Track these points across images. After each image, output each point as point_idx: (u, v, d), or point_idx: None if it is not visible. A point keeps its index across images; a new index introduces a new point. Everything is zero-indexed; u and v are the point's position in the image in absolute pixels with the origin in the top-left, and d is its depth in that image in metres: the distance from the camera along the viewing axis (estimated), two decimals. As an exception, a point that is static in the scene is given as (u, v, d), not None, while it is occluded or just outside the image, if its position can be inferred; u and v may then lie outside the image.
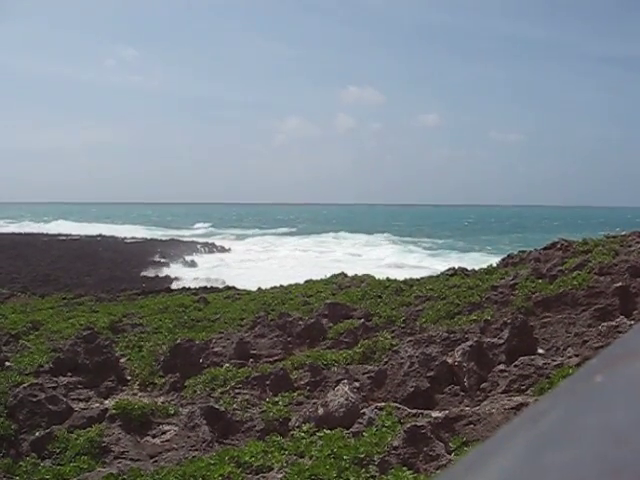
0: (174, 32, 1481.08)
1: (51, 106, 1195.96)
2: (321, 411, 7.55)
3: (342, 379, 8.51)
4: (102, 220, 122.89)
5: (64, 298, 20.42)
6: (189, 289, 24.49)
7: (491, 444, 0.62)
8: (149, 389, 10.06)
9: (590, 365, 0.75)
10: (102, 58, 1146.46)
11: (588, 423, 0.60)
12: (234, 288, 23.64)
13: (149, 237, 72.46)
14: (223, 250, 60.83)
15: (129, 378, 10.56)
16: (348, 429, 7.10)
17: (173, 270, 42.01)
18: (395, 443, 6.23)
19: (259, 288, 19.22)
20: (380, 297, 13.99)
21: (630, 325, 8.67)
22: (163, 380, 10.10)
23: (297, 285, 18.27)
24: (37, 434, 7.80)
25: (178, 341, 10.85)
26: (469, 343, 9.01)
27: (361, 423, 7.18)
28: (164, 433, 8.02)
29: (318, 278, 18.69)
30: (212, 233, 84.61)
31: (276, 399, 8.59)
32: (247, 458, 6.56)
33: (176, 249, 55.43)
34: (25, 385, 8.76)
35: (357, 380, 8.81)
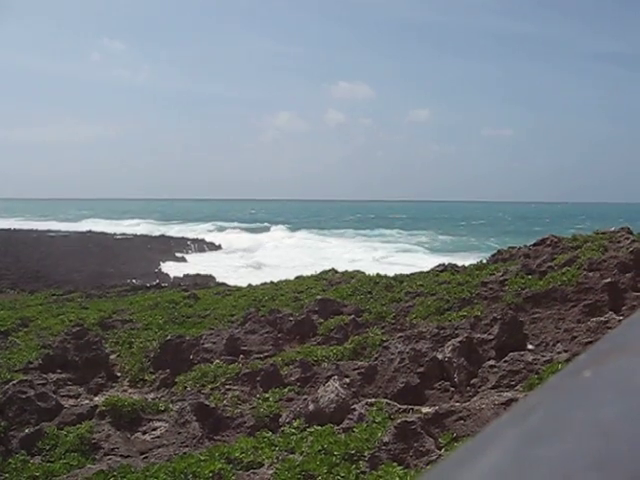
0: (162, 26, 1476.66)
1: (34, 100, 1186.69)
2: (311, 407, 7.56)
3: (332, 375, 8.52)
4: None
5: (53, 294, 20.35)
6: (179, 285, 24.42)
7: (481, 439, 0.62)
8: (139, 385, 10.05)
9: (579, 360, 0.76)
10: (88, 52, 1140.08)
11: (577, 418, 0.60)
12: (224, 284, 23.62)
13: (139, 233, 72.26)
14: (213, 247, 60.53)
15: (119, 374, 10.54)
16: (338, 425, 7.11)
17: (163, 267, 41.82)
18: (385, 439, 6.25)
19: (249, 284, 19.20)
20: (370, 293, 14.00)
21: (619, 321, 8.72)
22: (153, 376, 10.08)
23: (287, 281, 18.25)
24: (26, 431, 7.77)
25: (168, 337, 10.83)
26: (459, 339, 9.04)
27: (351, 419, 7.19)
28: (154, 429, 8.01)
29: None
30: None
31: (266, 395, 8.60)
32: (237, 454, 6.57)
33: (166, 245, 55.35)
34: (14, 382, 8.72)
35: (347, 376, 8.82)
